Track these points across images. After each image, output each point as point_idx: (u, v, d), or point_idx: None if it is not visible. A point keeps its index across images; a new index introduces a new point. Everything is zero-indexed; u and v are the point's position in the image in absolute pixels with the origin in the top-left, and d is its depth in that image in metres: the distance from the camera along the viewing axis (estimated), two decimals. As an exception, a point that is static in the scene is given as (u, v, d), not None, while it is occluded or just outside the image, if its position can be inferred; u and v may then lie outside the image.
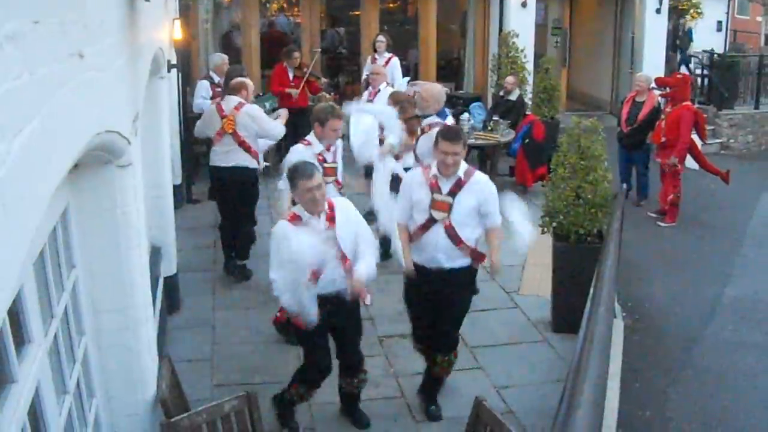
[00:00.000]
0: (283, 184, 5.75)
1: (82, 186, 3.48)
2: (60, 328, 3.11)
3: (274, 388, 5.49)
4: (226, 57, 10.19)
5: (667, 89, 10.39)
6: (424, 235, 5.04)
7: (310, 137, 6.26)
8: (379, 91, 8.90)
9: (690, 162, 10.23)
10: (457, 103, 12.16)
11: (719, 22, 17.59)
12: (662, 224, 9.96)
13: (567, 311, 6.40)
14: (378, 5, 14.24)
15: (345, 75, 15.43)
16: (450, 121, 6.97)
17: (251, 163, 7.26)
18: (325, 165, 6.11)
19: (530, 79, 13.29)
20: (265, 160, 8.02)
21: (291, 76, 10.81)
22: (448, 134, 4.97)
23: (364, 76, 11.52)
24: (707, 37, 16.50)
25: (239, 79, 7.58)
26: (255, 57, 13.38)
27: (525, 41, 13.41)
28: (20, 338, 2.63)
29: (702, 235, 9.82)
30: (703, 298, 7.86)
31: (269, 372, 5.78)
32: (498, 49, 13.73)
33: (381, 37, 10.99)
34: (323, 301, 4.60)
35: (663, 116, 9.97)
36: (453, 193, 4.97)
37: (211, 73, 9.87)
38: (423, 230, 5.04)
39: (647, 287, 8.13)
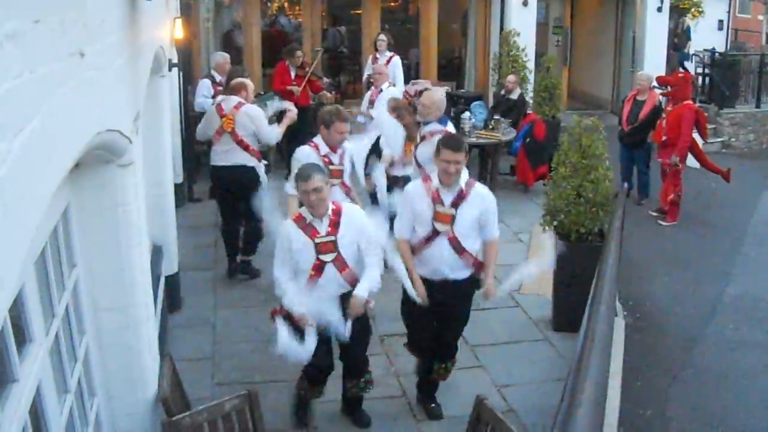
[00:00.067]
0: (290, 186, 5.80)
1: (83, 185, 3.48)
2: (61, 327, 3.11)
3: (275, 387, 5.51)
4: (227, 56, 10.19)
5: (668, 88, 10.39)
6: (427, 248, 4.96)
7: (317, 139, 6.25)
8: (381, 91, 8.87)
9: (691, 161, 10.23)
10: (458, 102, 12.14)
11: (720, 21, 17.55)
12: (663, 223, 9.95)
13: (568, 310, 6.40)
14: (379, 4, 14.23)
15: (346, 74, 15.43)
16: (450, 127, 6.92)
17: (250, 161, 7.27)
18: (331, 167, 6.08)
19: (531, 78, 13.28)
20: (265, 159, 8.01)
21: (293, 74, 10.80)
22: (451, 143, 4.89)
23: (365, 76, 11.51)
24: (708, 36, 16.46)
25: (239, 79, 7.60)
26: (256, 56, 13.37)
27: (526, 40, 13.40)
28: (21, 337, 2.63)
29: (703, 234, 9.81)
30: (704, 296, 7.86)
31: (270, 371, 5.77)
32: (499, 48, 13.72)
33: (382, 36, 10.98)
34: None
35: (664, 115, 9.96)
36: (455, 204, 4.91)
37: (213, 72, 9.87)
38: (426, 243, 4.95)
39: (648, 286, 8.13)
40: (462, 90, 14.16)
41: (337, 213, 4.71)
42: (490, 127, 10.76)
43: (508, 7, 13.87)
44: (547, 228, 6.78)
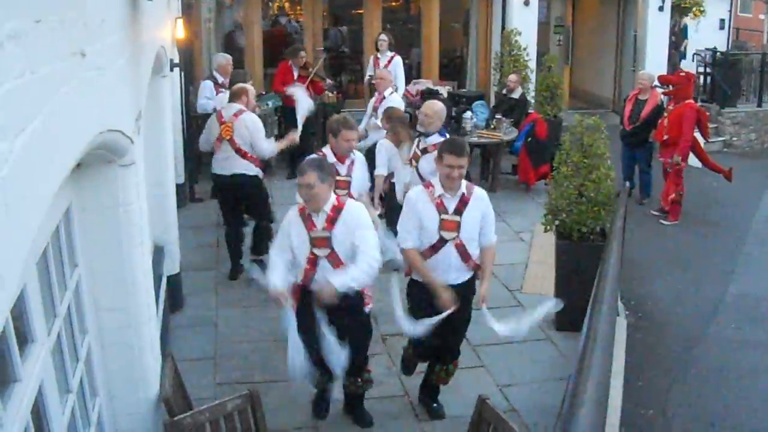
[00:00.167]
0: None
1: (85, 185, 3.48)
2: (63, 327, 3.11)
3: (276, 387, 5.51)
4: (230, 57, 10.18)
5: (670, 87, 10.38)
6: (433, 257, 4.93)
7: (326, 149, 6.22)
8: (384, 98, 8.77)
9: (693, 160, 10.22)
10: (459, 102, 12.14)
11: (722, 20, 17.52)
12: (665, 222, 9.94)
13: (570, 309, 6.37)
14: (380, 4, 14.22)
15: (348, 74, 15.42)
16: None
17: (250, 169, 7.28)
18: (338, 178, 5.96)
19: (533, 77, 13.28)
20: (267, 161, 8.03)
21: (296, 75, 10.80)
22: (455, 148, 4.85)
23: (366, 77, 11.51)
24: (710, 35, 16.43)
25: (240, 84, 7.61)
26: (258, 56, 13.37)
27: (527, 39, 13.39)
28: (23, 337, 2.63)
29: (705, 234, 9.80)
30: (705, 296, 7.85)
31: (272, 370, 5.78)
32: (500, 47, 13.71)
33: (383, 36, 10.97)
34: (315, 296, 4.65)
35: (665, 114, 9.95)
36: (459, 210, 4.91)
37: (215, 74, 9.86)
38: (433, 251, 4.93)
39: (650, 285, 8.13)
40: (463, 89, 14.14)
41: (337, 210, 4.70)
42: (492, 126, 10.76)
43: (509, 7, 13.85)
44: (548, 228, 6.78)
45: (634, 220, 8.89)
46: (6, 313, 2.07)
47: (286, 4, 16.26)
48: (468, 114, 10.60)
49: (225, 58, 10.04)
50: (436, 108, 6.87)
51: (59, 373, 3.03)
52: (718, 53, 15.47)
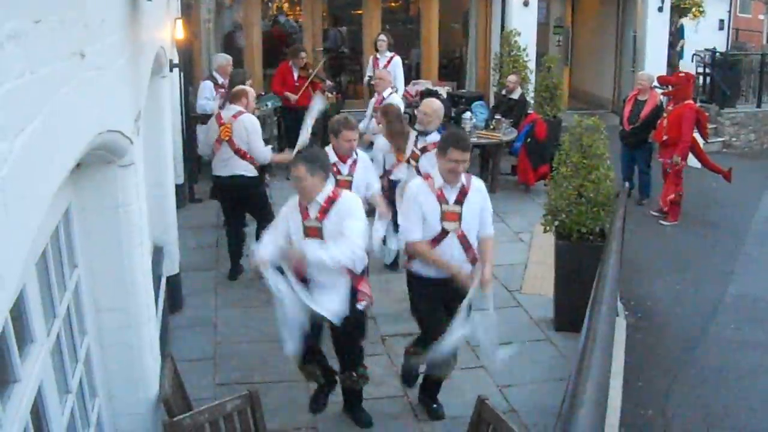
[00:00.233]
0: None
1: (84, 185, 3.48)
2: (62, 327, 3.11)
3: (276, 387, 5.51)
4: (230, 57, 10.18)
5: (670, 88, 10.38)
6: (436, 248, 4.95)
7: (328, 148, 6.22)
8: (383, 99, 8.77)
9: (692, 161, 10.23)
10: (459, 102, 12.14)
11: (721, 21, 17.54)
12: (664, 223, 9.94)
13: (569, 310, 6.40)
14: (380, 4, 14.23)
15: (347, 74, 15.42)
16: None
17: (248, 171, 7.28)
18: (339, 178, 6.04)
19: (532, 77, 13.28)
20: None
21: (296, 75, 10.80)
22: (461, 143, 4.89)
23: (366, 77, 11.51)
24: (709, 36, 16.43)
25: (240, 86, 7.64)
26: (257, 56, 13.37)
27: (527, 40, 13.39)
28: (23, 338, 2.63)
29: (704, 234, 9.80)
30: (705, 296, 7.86)
31: (271, 371, 5.78)
32: (500, 47, 13.71)
33: (382, 37, 10.98)
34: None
35: (665, 115, 9.95)
36: (459, 201, 4.94)
37: (215, 74, 9.85)
38: (435, 243, 4.94)
39: (649, 286, 8.13)
40: (463, 90, 14.15)
41: (331, 201, 4.74)
42: (491, 127, 10.76)
43: (508, 7, 13.86)
44: (547, 228, 6.78)
45: (633, 221, 8.89)
46: (5, 314, 2.07)
47: (286, 5, 16.27)
48: (467, 114, 10.60)
49: (225, 59, 10.04)
50: (434, 106, 6.88)
51: (59, 373, 3.03)
52: (717, 54, 15.48)
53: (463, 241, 4.95)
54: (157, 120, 6.49)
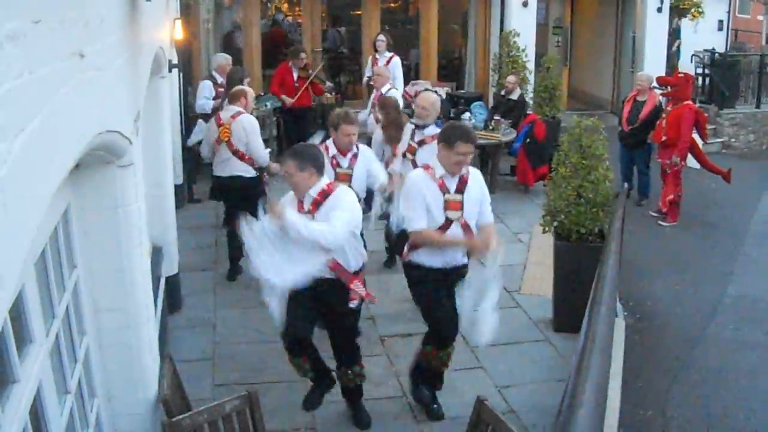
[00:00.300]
0: None
1: (84, 185, 3.48)
2: (61, 328, 3.11)
3: (275, 388, 5.50)
4: (229, 57, 10.17)
5: (669, 88, 10.38)
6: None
7: (329, 141, 6.25)
8: (382, 94, 8.81)
9: (691, 161, 10.23)
10: (458, 103, 12.14)
11: (720, 22, 17.54)
12: (663, 223, 9.95)
13: (568, 310, 6.40)
14: (379, 5, 14.23)
15: (346, 75, 15.43)
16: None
17: (247, 171, 7.29)
18: (338, 170, 6.08)
19: (531, 78, 13.28)
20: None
21: (295, 76, 10.80)
22: (468, 136, 4.96)
23: (365, 77, 11.52)
24: (708, 37, 16.43)
25: (239, 87, 7.62)
26: (256, 56, 13.37)
27: (526, 40, 13.40)
28: (22, 338, 2.63)
29: (703, 235, 9.81)
30: (704, 297, 7.86)
31: (270, 371, 5.78)
32: (499, 48, 13.71)
33: (381, 37, 10.98)
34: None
35: (664, 115, 9.96)
36: (460, 190, 4.99)
37: (214, 74, 9.84)
38: (440, 233, 4.98)
39: (648, 286, 8.13)
40: (462, 90, 14.15)
41: (325, 194, 4.74)
42: (491, 127, 10.76)
43: (508, 8, 13.87)
44: (546, 229, 6.79)
45: (632, 222, 8.90)
46: (5, 314, 2.07)
47: (285, 5, 16.27)
48: (466, 115, 10.61)
49: (225, 59, 10.03)
50: (431, 99, 6.91)
51: (58, 374, 3.03)
52: (716, 54, 15.49)
53: (466, 229, 4.99)
54: (156, 120, 6.48)
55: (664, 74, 12.80)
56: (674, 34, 15.70)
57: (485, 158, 10.91)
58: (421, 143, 6.75)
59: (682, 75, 10.60)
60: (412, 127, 6.91)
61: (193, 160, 10.01)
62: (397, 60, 10.87)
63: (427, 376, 5.38)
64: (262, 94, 11.36)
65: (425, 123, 6.78)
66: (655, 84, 10.66)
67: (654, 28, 14.80)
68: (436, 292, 5.06)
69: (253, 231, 4.60)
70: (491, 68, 14.13)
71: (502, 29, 13.85)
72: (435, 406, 5.35)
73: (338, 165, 6.12)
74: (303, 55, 10.98)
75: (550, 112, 11.85)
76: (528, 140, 10.56)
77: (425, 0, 14.38)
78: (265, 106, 10.54)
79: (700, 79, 15.61)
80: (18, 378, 2.48)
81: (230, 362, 6.05)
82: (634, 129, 10.25)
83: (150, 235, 5.34)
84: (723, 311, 7.52)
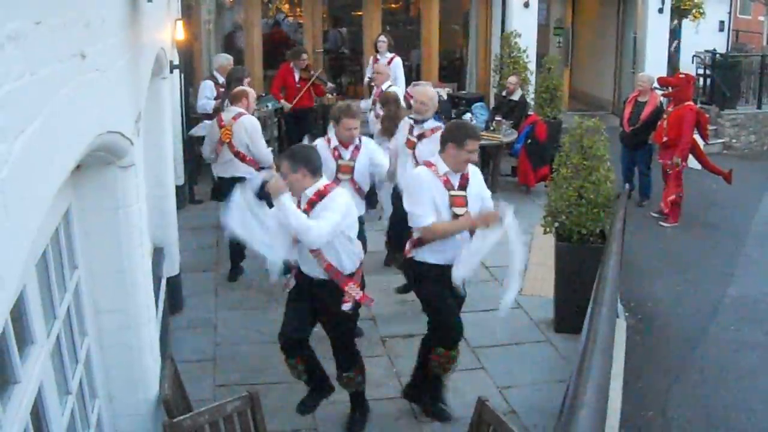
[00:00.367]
0: None
1: (85, 186, 3.48)
2: (62, 328, 3.11)
3: (276, 389, 5.50)
4: (231, 58, 10.19)
5: (670, 89, 10.38)
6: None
7: (331, 133, 6.29)
8: (382, 91, 8.84)
9: (692, 162, 10.23)
10: (459, 104, 12.15)
11: (721, 22, 17.54)
12: (665, 224, 9.94)
13: (569, 311, 6.40)
14: (380, 5, 14.23)
15: (347, 75, 15.44)
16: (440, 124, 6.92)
17: (249, 173, 7.27)
18: (340, 162, 6.14)
19: (532, 79, 13.28)
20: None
21: (297, 77, 10.80)
22: (476, 133, 5.07)
23: (366, 78, 11.53)
24: (709, 37, 16.43)
25: (240, 87, 7.61)
26: (258, 57, 13.37)
27: (527, 41, 13.40)
28: (23, 339, 2.63)
29: (704, 235, 9.80)
30: (705, 297, 7.86)
31: (272, 372, 5.77)
32: (500, 49, 13.72)
33: (382, 38, 10.98)
34: (305, 277, 4.84)
35: (665, 116, 9.96)
36: (462, 186, 5.00)
37: (215, 74, 9.86)
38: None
39: (650, 287, 8.13)
40: (463, 91, 14.16)
41: (320, 195, 4.73)
42: (492, 128, 10.76)
43: (509, 9, 13.87)
44: (548, 230, 6.79)
45: (633, 222, 8.90)
46: (6, 315, 2.07)
47: (286, 6, 16.28)
48: (467, 116, 10.62)
49: (226, 59, 10.04)
50: (430, 94, 6.95)
51: (59, 374, 3.03)
52: (717, 55, 15.49)
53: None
54: (157, 121, 6.48)
55: (665, 75, 12.79)
56: (673, 34, 15.71)
57: (486, 159, 10.89)
58: (421, 137, 6.76)
59: (683, 76, 10.60)
60: (411, 122, 6.91)
61: (194, 161, 10.02)
62: (398, 60, 10.88)
63: (426, 386, 5.34)
64: (264, 94, 11.35)
65: (424, 118, 6.80)
66: (656, 85, 10.66)
67: (655, 28, 14.79)
68: (441, 290, 5.05)
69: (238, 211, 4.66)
70: (492, 69, 14.14)
71: (503, 30, 13.85)
72: (443, 405, 5.32)
73: (340, 157, 6.14)
74: (304, 56, 10.98)
75: (551, 112, 11.85)
76: (529, 141, 10.56)
77: (426, 1, 14.39)
78: (267, 106, 10.54)
79: (701, 79, 15.61)
80: (19, 379, 2.48)
81: (231, 363, 6.05)
82: (635, 130, 10.25)
83: (151, 235, 5.35)
84: (724, 312, 7.52)
